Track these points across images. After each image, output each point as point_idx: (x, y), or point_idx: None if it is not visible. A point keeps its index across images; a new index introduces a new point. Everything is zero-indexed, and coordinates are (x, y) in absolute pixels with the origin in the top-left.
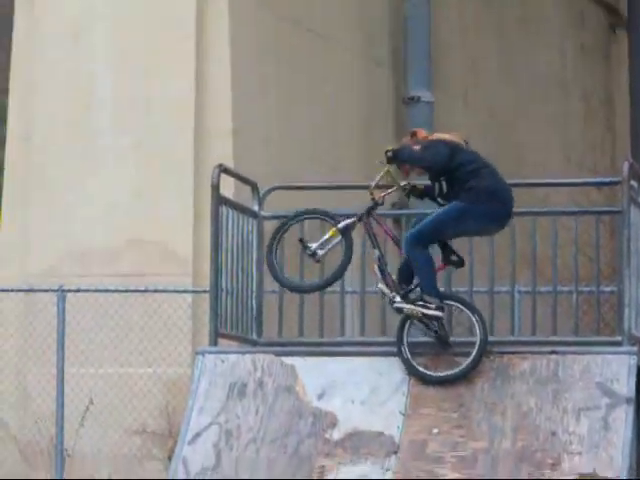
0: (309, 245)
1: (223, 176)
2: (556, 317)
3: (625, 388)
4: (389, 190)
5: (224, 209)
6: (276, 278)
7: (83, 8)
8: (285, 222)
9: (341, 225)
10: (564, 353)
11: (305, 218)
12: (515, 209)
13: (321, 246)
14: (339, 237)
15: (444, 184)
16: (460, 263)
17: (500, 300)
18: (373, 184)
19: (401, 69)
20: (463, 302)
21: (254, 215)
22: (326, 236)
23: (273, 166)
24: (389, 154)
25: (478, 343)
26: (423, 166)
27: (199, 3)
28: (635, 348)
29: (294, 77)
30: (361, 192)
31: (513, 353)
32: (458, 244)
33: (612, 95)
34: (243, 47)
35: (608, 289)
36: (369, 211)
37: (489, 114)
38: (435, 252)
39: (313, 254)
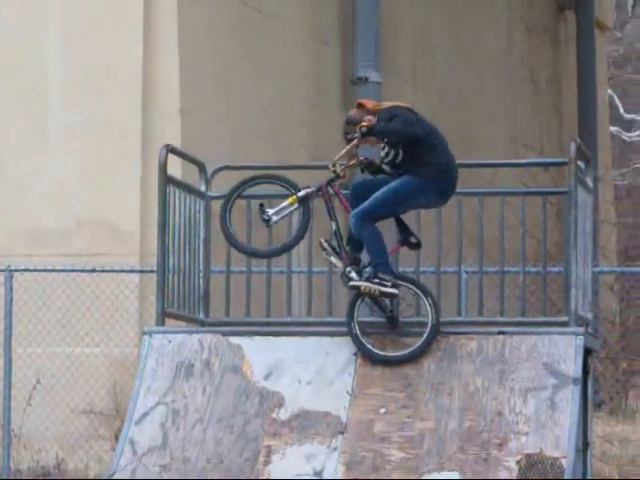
0: (267, 210)
1: (171, 156)
2: (503, 297)
3: (572, 368)
4: (351, 162)
5: (171, 189)
6: (229, 241)
7: None
8: (241, 184)
9: (301, 194)
10: (511, 333)
11: (264, 181)
12: (462, 189)
13: (277, 212)
14: (296, 205)
15: (400, 152)
16: (417, 245)
17: (447, 280)
18: (337, 157)
19: (349, 49)
20: (416, 284)
21: (201, 195)
22: (284, 203)
23: (222, 146)
24: (363, 130)
25: (430, 326)
26: (399, 139)
27: None
28: (582, 329)
29: (243, 56)
30: (309, 171)
31: (460, 333)
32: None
33: (559, 76)
34: (192, 25)
35: (555, 269)
36: (329, 183)
37: (437, 95)
38: (385, 232)
39: (268, 219)
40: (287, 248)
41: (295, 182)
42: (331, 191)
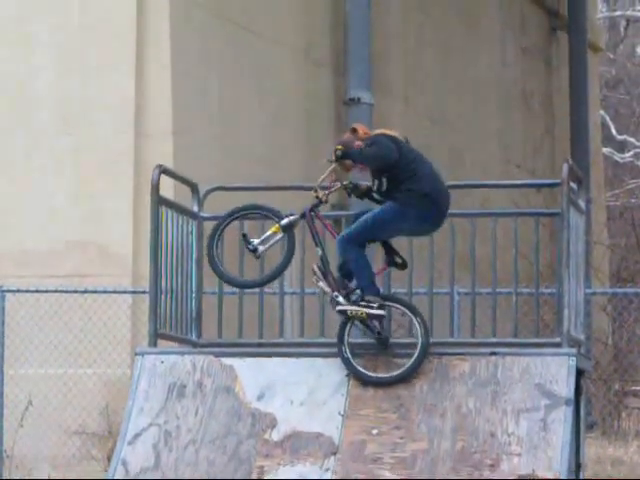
0: (251, 240)
1: (163, 177)
2: (495, 318)
3: (564, 389)
4: (332, 188)
5: (164, 210)
6: (217, 272)
7: (23, 6)
8: (227, 216)
9: (284, 222)
10: (503, 354)
11: (248, 213)
12: (455, 210)
13: (263, 242)
14: (281, 234)
15: (384, 180)
16: (403, 265)
17: (439, 301)
18: (319, 182)
19: (341, 70)
20: (405, 304)
21: (194, 216)
22: (268, 232)
23: (214, 167)
24: (339, 152)
25: (419, 346)
26: (374, 165)
27: (139, 3)
28: (574, 349)
29: (235, 78)
30: (302, 193)
31: (452, 354)
32: (397, 245)
33: (552, 97)
34: (184, 47)
35: (548, 291)
36: (312, 209)
37: (429, 116)
38: (374, 252)
39: (254, 250)
40: (275, 276)
41: (279, 210)
42: (315, 217)
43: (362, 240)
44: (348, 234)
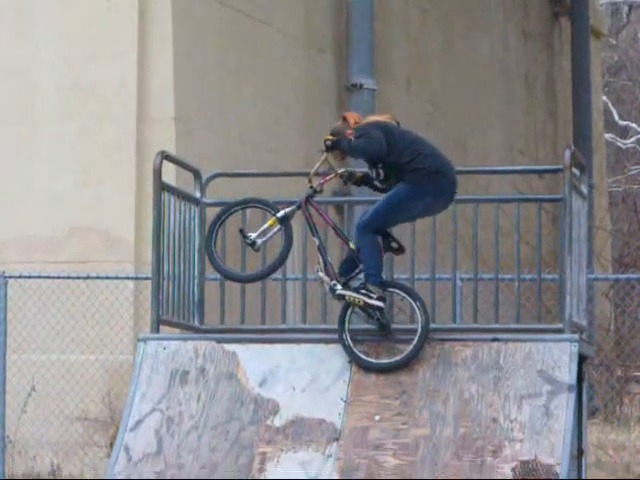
0: (248, 235)
1: (165, 163)
2: (498, 304)
3: (566, 375)
4: (327, 177)
5: (166, 196)
6: (216, 268)
7: None
8: (223, 211)
9: (280, 214)
10: (506, 340)
11: (244, 207)
12: (457, 196)
13: (260, 235)
14: (278, 226)
15: (381, 170)
16: (400, 250)
17: (442, 287)
18: (312, 172)
19: (344, 56)
20: (405, 289)
21: (196, 202)
22: (265, 225)
23: (215, 153)
24: (328, 143)
25: (420, 331)
26: (361, 157)
27: None
28: (576, 335)
29: (236, 64)
30: (303, 179)
31: (455, 340)
32: (400, 230)
33: (554, 82)
34: (185, 33)
35: (550, 276)
36: (307, 199)
37: (432, 102)
38: None
39: (252, 243)
40: (274, 269)
41: (274, 203)
42: (311, 207)
43: (378, 225)
44: (364, 220)
